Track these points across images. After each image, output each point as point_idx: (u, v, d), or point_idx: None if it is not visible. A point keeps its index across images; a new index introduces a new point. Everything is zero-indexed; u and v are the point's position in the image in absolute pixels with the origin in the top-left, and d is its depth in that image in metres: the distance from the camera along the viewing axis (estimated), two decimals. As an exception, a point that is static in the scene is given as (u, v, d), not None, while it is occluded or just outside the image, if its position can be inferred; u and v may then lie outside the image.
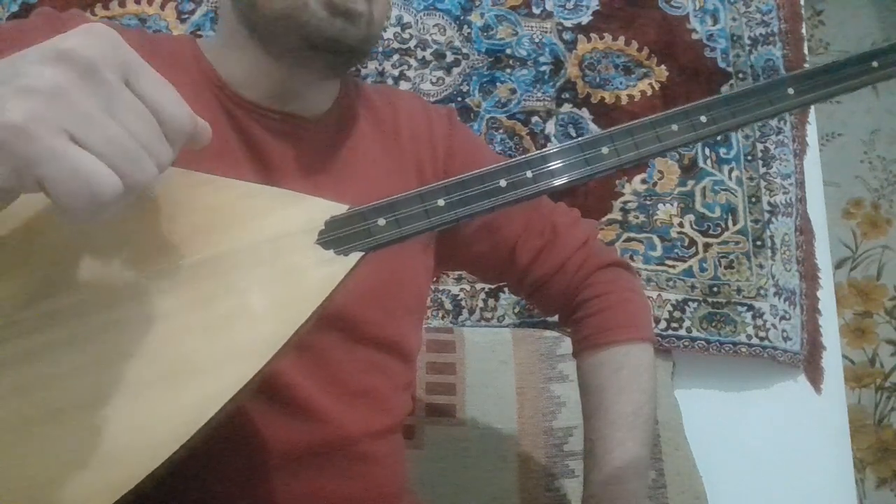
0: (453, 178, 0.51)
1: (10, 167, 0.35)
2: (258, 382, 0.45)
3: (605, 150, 0.51)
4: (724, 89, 1.31)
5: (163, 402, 0.42)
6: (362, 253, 0.48)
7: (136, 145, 0.37)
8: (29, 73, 0.36)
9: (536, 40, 1.29)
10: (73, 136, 0.36)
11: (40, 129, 0.35)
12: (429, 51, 1.26)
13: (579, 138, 0.51)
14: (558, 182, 0.51)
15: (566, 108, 1.27)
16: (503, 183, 0.50)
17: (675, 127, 0.52)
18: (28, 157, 0.35)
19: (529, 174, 0.50)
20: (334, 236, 0.48)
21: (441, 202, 0.50)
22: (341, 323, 0.67)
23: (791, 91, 0.53)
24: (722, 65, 1.32)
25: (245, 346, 0.44)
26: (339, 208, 0.49)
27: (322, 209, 0.49)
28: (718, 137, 1.29)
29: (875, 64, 0.54)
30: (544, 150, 0.51)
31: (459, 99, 1.25)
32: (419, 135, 0.79)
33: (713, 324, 1.22)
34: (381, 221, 0.49)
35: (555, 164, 0.51)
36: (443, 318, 1.19)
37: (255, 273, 0.46)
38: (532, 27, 1.29)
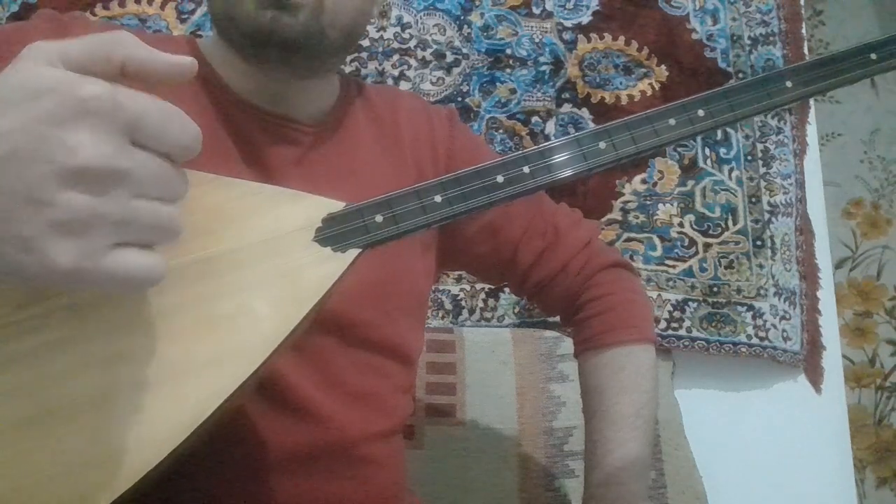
0: (450, 174, 0.50)
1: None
2: (257, 380, 0.45)
3: (602, 144, 0.51)
4: (724, 89, 1.31)
5: (161, 401, 0.42)
6: (360, 250, 0.48)
7: (163, 213, 0.37)
8: (56, 206, 0.34)
9: (536, 40, 1.29)
10: (115, 243, 0.36)
11: (90, 263, 0.35)
12: (429, 51, 1.26)
13: (576, 133, 0.51)
14: (555, 177, 0.51)
15: (566, 108, 1.27)
16: (500, 179, 0.50)
17: (672, 121, 0.52)
18: (85, 286, 0.36)
19: (527, 169, 0.50)
20: (332, 233, 0.48)
21: (438, 198, 0.49)
22: (338, 326, 0.67)
23: (789, 84, 0.53)
24: (722, 65, 1.32)
25: (244, 344, 0.44)
26: (337, 205, 0.49)
27: (319, 207, 0.49)
28: (718, 137, 1.30)
29: (873, 56, 0.54)
30: (541, 145, 0.51)
31: (459, 99, 1.25)
32: (420, 136, 0.79)
33: (713, 324, 1.22)
34: (379, 218, 0.49)
35: (552, 160, 0.51)
36: (443, 318, 1.19)
37: (254, 271, 0.46)
38: (532, 27, 1.29)
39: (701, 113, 0.52)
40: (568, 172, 0.51)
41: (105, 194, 0.35)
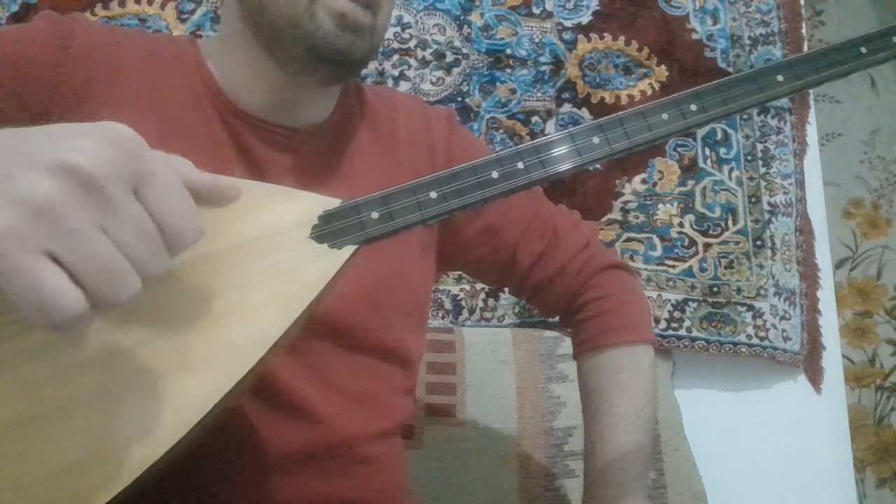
0: (445, 170, 0.51)
1: None
2: (256, 377, 0.45)
3: (596, 139, 0.51)
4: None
5: (159, 399, 0.42)
6: (356, 246, 0.48)
7: (121, 264, 0.36)
8: (26, 181, 0.34)
9: (536, 40, 1.29)
10: (52, 253, 0.34)
11: (12, 247, 0.33)
12: (429, 51, 1.26)
13: (570, 129, 0.52)
14: (550, 172, 0.51)
15: (566, 108, 1.27)
16: (495, 174, 0.51)
17: (665, 116, 0.52)
18: None
19: (521, 165, 0.51)
20: (328, 230, 0.48)
21: (433, 195, 0.50)
22: (335, 331, 0.67)
23: (780, 78, 0.53)
24: (722, 65, 1.32)
25: (242, 340, 0.44)
26: (333, 202, 0.49)
27: (316, 204, 0.49)
28: (718, 137, 1.30)
29: (863, 50, 0.54)
30: (535, 140, 0.51)
31: (459, 99, 1.25)
32: (417, 140, 0.79)
33: (713, 324, 1.22)
34: (374, 214, 0.49)
35: (546, 155, 0.51)
36: (443, 318, 1.19)
37: (251, 268, 0.46)
38: (532, 27, 1.29)
39: (693, 107, 0.52)
40: (562, 167, 0.51)
41: (72, 201, 0.34)
